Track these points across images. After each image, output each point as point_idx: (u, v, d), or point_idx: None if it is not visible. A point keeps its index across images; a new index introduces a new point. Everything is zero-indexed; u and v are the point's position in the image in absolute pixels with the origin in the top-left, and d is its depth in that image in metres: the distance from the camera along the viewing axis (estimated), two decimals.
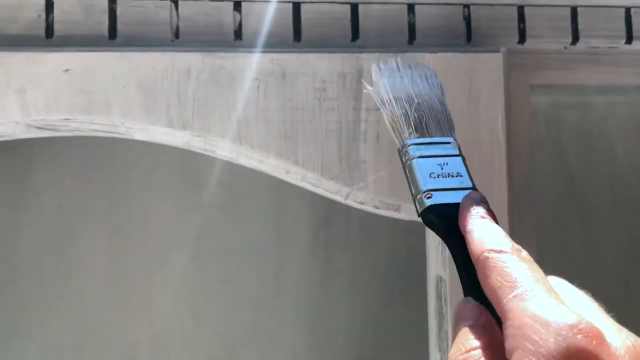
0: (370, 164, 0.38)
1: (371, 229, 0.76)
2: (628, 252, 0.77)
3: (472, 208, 0.30)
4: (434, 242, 0.40)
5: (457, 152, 0.33)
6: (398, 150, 0.33)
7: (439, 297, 0.39)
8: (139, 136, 0.39)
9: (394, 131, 0.33)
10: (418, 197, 0.31)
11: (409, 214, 0.39)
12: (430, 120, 0.34)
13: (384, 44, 0.41)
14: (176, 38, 0.40)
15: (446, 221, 0.31)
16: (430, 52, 0.39)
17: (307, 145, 0.38)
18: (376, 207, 0.39)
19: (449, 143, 0.33)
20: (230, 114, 0.38)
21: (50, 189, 0.72)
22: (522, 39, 0.44)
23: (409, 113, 0.33)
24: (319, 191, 0.39)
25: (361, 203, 0.39)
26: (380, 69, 0.34)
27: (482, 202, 0.30)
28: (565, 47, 0.45)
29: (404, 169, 0.33)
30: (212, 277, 0.74)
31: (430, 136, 0.33)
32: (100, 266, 0.73)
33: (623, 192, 0.78)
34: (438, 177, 0.32)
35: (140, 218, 0.73)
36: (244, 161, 0.39)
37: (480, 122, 0.40)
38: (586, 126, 0.79)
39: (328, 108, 0.38)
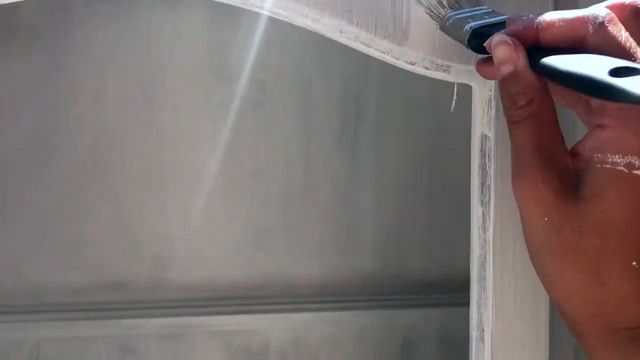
0: (422, 24, 0.40)
1: (397, 129, 0.78)
2: None
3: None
4: (480, 102, 0.41)
5: (489, 9, 0.36)
6: (440, 28, 0.37)
7: (483, 155, 0.41)
8: None
9: (431, 17, 0.38)
10: (464, 31, 0.35)
11: (458, 75, 0.41)
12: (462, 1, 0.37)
13: None
14: None
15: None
16: None
17: (362, 3, 0.39)
18: (426, 68, 0.41)
19: (483, 7, 0.37)
20: None
21: (87, 78, 0.74)
22: None
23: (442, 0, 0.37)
24: (372, 52, 0.41)
25: (412, 63, 0.41)
26: None
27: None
28: None
29: (447, 32, 0.37)
30: (242, 171, 0.77)
31: (463, 8, 0.37)
32: (135, 159, 0.75)
33: None
34: (478, 19, 0.36)
35: (173, 110, 0.75)
36: (299, 20, 0.40)
37: None
38: None
39: None
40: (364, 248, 0.80)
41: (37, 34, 0.72)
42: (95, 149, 0.75)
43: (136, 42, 0.74)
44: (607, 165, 0.28)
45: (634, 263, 0.28)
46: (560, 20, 0.31)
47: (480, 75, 0.36)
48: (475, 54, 0.36)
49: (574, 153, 0.30)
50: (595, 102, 0.30)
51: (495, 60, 0.32)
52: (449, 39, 0.38)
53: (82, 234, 0.76)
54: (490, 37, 0.33)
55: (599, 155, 0.29)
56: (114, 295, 0.77)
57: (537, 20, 0.31)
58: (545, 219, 0.29)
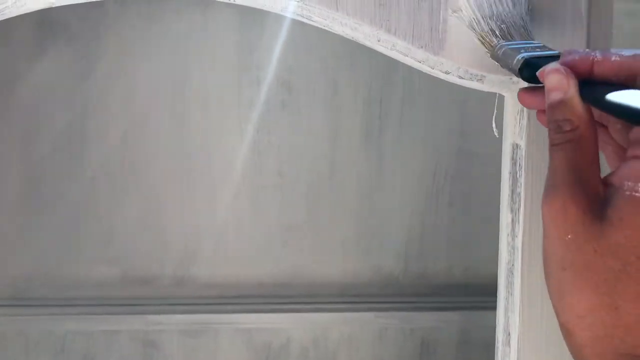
0: (458, 34, 0.41)
1: (421, 131, 0.78)
2: None
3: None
4: (512, 111, 0.42)
5: (540, 43, 0.39)
6: (490, 55, 0.39)
7: (513, 163, 0.42)
8: (241, 1, 0.41)
9: (483, 44, 0.40)
10: (516, 60, 0.37)
11: (492, 85, 0.42)
12: (514, 31, 0.40)
13: None
14: None
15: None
16: None
17: (400, 13, 0.40)
18: (460, 77, 0.42)
19: (534, 40, 0.39)
20: None
21: (118, 76, 0.75)
22: None
23: (495, 28, 0.39)
24: (408, 60, 0.42)
25: (447, 72, 0.42)
26: None
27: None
28: None
29: (498, 60, 0.39)
30: (269, 170, 0.78)
31: (514, 39, 0.39)
32: (163, 157, 0.76)
33: None
34: (530, 50, 0.38)
35: (201, 109, 0.76)
36: (337, 28, 0.41)
37: None
38: None
39: None
40: (386, 249, 0.81)
41: (70, 31, 0.74)
42: (124, 146, 0.76)
43: (167, 42, 0.75)
44: (636, 194, 0.29)
45: None
46: (617, 56, 0.33)
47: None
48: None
49: (605, 181, 0.32)
50: (634, 135, 0.32)
51: (547, 86, 0.33)
52: (484, 49, 0.39)
53: (110, 230, 0.77)
54: (545, 66, 0.34)
55: (629, 183, 0.30)
56: (140, 291, 0.78)
57: (593, 53, 0.33)
58: (569, 236, 0.30)
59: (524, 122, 0.41)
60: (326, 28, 0.41)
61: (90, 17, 0.74)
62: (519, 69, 0.36)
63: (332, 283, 0.81)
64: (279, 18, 0.76)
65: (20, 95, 0.75)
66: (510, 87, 0.42)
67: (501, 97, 0.43)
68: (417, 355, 0.82)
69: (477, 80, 0.41)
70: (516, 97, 0.42)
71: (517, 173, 0.42)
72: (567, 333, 0.32)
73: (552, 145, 0.32)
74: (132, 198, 0.77)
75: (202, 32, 0.75)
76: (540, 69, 0.34)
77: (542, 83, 0.34)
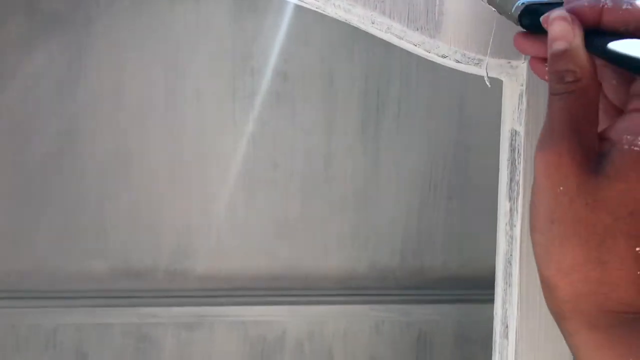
0: (455, 17, 0.39)
1: (418, 124, 0.77)
2: None
3: None
4: (511, 96, 0.41)
5: None
6: (487, 0, 0.37)
7: (512, 150, 0.41)
8: None
9: None
10: (516, 6, 0.34)
11: (490, 69, 0.41)
12: None
13: None
14: None
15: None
16: None
17: None
18: (457, 61, 0.40)
19: None
20: None
21: (110, 68, 0.74)
22: None
23: None
24: (403, 44, 0.41)
25: (443, 56, 0.40)
26: None
27: None
28: None
29: (494, 5, 0.36)
30: (264, 163, 0.77)
31: None
32: (157, 149, 0.75)
33: None
34: None
35: (196, 101, 0.75)
36: (330, 10, 0.40)
37: None
38: None
39: None
40: (382, 242, 0.80)
41: (61, 21, 0.72)
42: (117, 138, 0.75)
43: (160, 31, 0.74)
44: (636, 148, 0.28)
45: (638, 249, 0.28)
46: (628, 4, 0.31)
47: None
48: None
49: (602, 136, 0.30)
50: (635, 88, 0.30)
51: (550, 34, 0.31)
52: (482, 31, 0.38)
53: (103, 222, 0.76)
54: (549, 12, 0.32)
55: (628, 136, 0.29)
56: (133, 284, 0.77)
57: (603, 1, 0.31)
58: (561, 188, 0.29)
59: (523, 107, 0.40)
60: (319, 10, 0.40)
61: (81, 6, 0.73)
62: (519, 15, 0.34)
63: (328, 276, 0.80)
64: (273, 7, 0.74)
65: (11, 88, 0.74)
66: (508, 71, 0.40)
67: (493, 83, 0.42)
68: (413, 348, 0.81)
69: (475, 64, 0.40)
70: (515, 82, 0.41)
71: (515, 160, 0.41)
72: (549, 288, 0.30)
73: (552, 94, 0.31)
74: (125, 190, 0.76)
75: (196, 21, 0.74)
76: (544, 15, 0.32)
77: (543, 31, 0.32)
